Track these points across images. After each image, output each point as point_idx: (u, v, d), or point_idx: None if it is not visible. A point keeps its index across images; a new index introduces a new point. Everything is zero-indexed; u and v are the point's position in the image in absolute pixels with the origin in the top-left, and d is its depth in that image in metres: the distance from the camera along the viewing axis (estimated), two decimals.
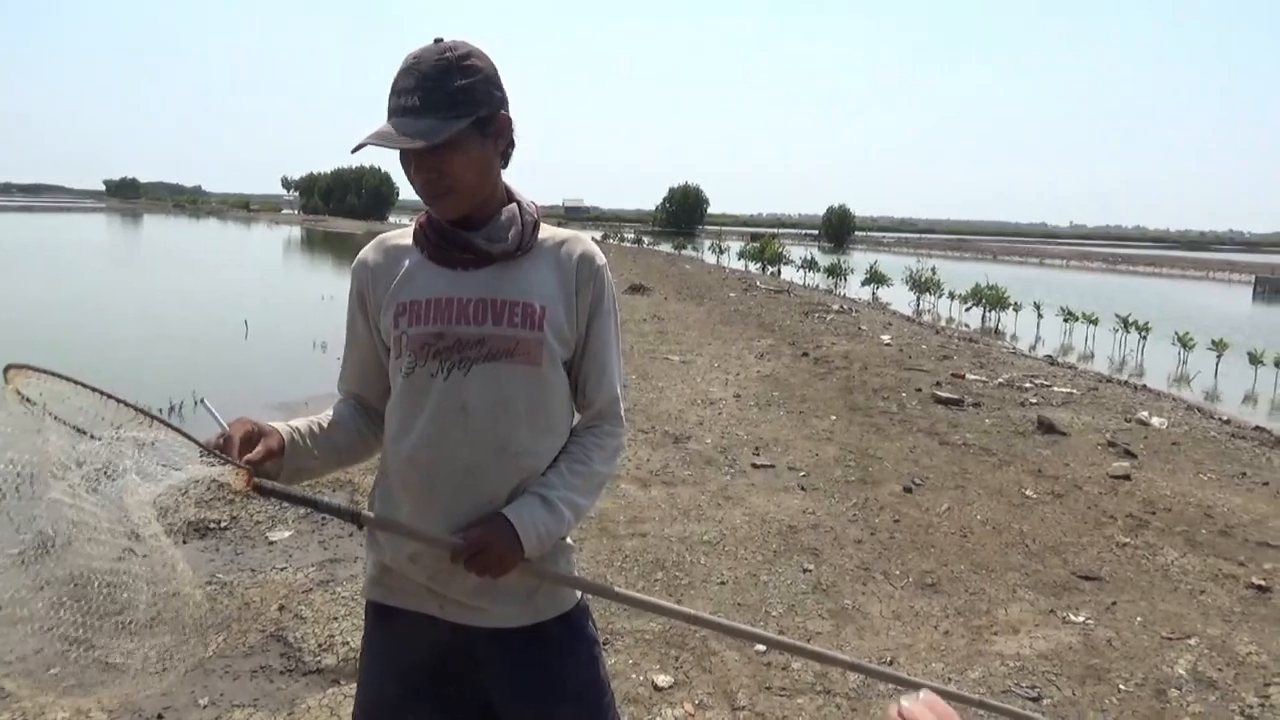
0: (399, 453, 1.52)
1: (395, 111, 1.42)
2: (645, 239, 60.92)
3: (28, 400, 1.26)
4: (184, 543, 1.39)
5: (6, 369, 1.26)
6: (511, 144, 1.54)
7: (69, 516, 1.26)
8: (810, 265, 32.91)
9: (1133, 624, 3.95)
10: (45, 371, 1.28)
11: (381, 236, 1.65)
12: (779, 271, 34.15)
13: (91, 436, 1.29)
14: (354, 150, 1.44)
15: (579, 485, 1.54)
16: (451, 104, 1.41)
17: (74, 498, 1.27)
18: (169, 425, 1.35)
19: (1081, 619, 3.98)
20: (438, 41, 1.46)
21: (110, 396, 1.31)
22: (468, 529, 1.45)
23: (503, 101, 1.49)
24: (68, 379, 1.29)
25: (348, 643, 3.51)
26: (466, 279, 1.51)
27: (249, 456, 1.36)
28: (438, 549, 1.45)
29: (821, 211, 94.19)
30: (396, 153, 1.44)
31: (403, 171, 1.50)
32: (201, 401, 1.62)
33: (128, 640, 1.37)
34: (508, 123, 1.51)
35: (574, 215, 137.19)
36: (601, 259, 1.60)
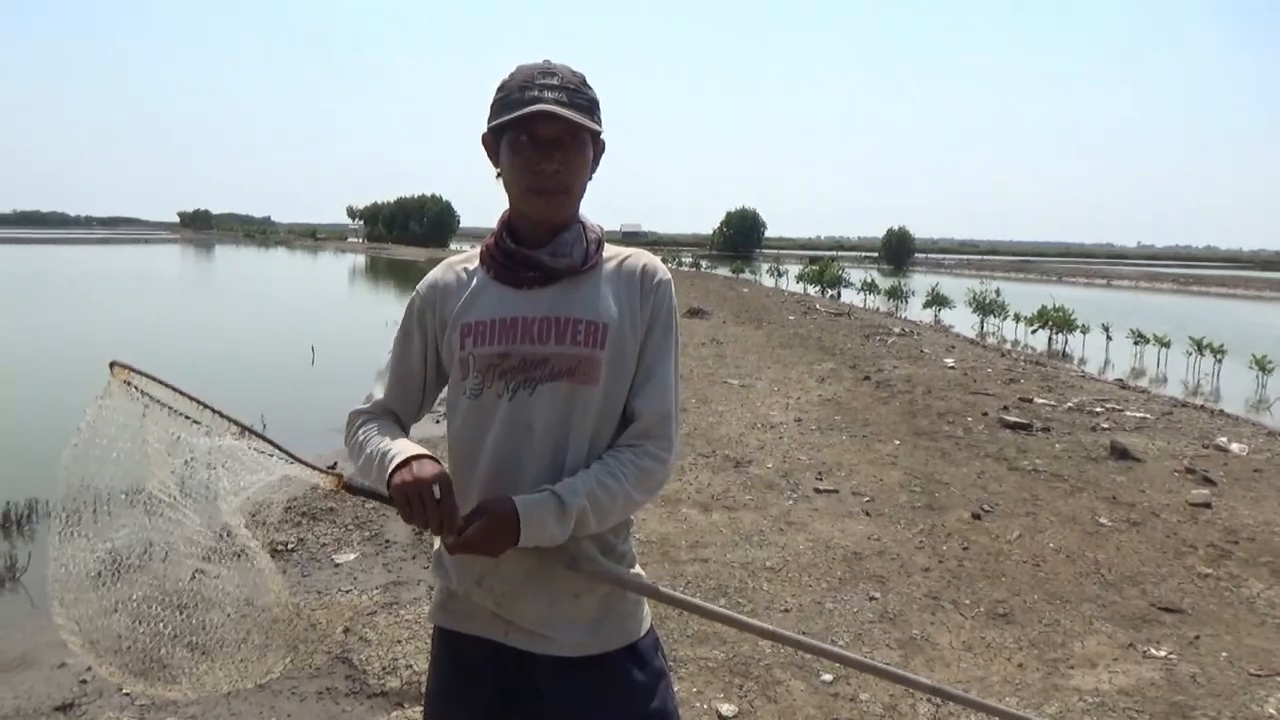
0: (470, 474, 1.51)
1: (541, 101, 1.42)
2: (703, 263, 60.91)
3: (133, 391, 1.27)
4: (253, 566, 1.40)
5: (111, 364, 1.29)
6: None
7: (160, 527, 1.27)
8: (870, 288, 32.53)
9: (1218, 659, 3.78)
10: (146, 375, 1.30)
11: (449, 259, 1.65)
12: (839, 294, 33.80)
13: (198, 423, 1.29)
14: (517, 114, 1.42)
15: (602, 500, 1.43)
16: (589, 108, 1.48)
17: (170, 501, 1.29)
18: (276, 444, 1.38)
19: (1163, 653, 3.82)
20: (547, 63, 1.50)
21: (207, 407, 1.34)
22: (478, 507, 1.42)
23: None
24: (169, 385, 1.31)
25: (411, 666, 3.53)
26: (532, 297, 1.51)
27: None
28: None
29: (881, 234, 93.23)
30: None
31: (514, 164, 1.48)
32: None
33: (203, 662, 1.39)
34: (603, 147, 1.57)
35: (631, 240, 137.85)
36: (666, 274, 1.57)
